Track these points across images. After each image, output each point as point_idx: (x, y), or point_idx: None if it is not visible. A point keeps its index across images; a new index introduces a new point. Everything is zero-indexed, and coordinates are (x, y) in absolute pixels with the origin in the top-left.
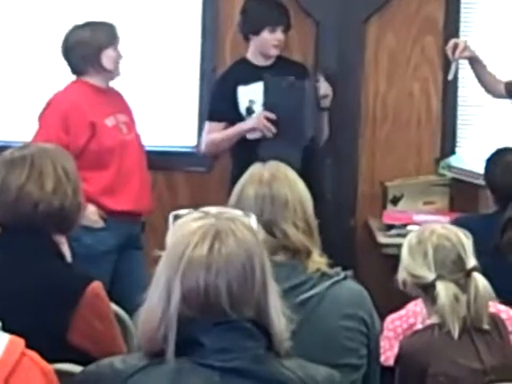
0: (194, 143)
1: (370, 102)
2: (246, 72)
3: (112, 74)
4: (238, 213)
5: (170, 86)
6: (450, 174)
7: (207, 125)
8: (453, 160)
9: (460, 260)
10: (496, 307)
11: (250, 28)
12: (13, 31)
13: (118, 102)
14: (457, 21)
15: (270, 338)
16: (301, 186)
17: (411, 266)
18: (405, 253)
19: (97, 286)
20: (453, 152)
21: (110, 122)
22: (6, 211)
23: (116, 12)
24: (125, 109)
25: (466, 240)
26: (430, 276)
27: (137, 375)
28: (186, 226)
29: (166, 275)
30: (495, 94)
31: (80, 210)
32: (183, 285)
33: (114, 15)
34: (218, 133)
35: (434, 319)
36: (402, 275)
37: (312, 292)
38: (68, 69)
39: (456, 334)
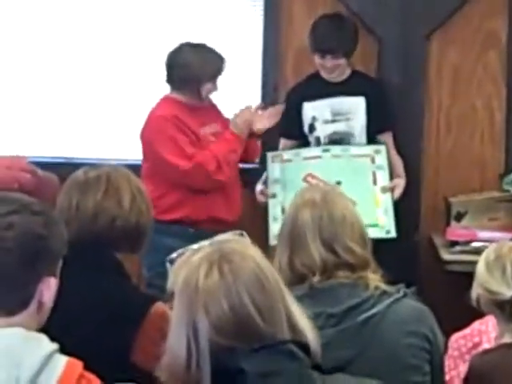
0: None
1: (434, 117)
2: (314, 88)
3: (201, 100)
4: (228, 235)
5: (231, 103)
6: None
7: (280, 140)
8: None
9: None
10: None
11: (310, 48)
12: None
13: (207, 113)
14: None
15: (309, 353)
16: (351, 202)
17: (488, 281)
18: (481, 269)
19: (161, 306)
20: None
21: (203, 134)
22: (83, 227)
23: (180, 32)
24: (214, 117)
25: None
26: (507, 292)
27: None
28: (189, 263)
29: (186, 316)
30: None
31: (151, 228)
32: (210, 316)
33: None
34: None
35: (507, 338)
36: (476, 291)
37: (373, 311)
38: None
39: None
